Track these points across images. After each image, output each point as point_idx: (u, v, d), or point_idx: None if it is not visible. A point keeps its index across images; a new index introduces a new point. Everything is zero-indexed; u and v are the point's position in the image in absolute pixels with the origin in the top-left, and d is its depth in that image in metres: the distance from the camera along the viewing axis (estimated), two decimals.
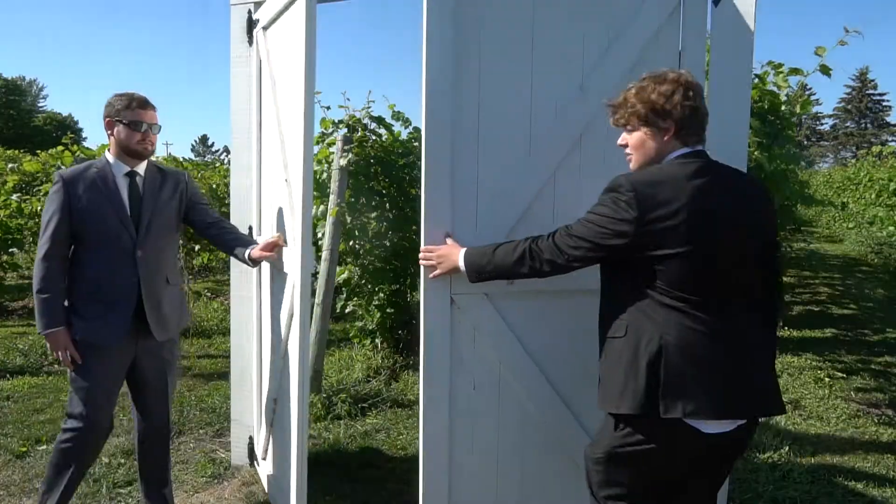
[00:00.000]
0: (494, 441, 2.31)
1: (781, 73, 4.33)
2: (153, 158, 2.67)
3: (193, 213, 2.71)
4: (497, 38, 2.20)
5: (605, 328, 1.88)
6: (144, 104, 2.51)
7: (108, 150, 2.56)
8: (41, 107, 58.42)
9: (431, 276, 2.22)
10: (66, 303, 2.47)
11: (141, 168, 2.57)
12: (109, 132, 2.52)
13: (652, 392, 1.71)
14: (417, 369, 4.88)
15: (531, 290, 2.22)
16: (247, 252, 2.60)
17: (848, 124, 63.10)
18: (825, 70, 4.03)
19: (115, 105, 2.50)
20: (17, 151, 13.91)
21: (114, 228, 2.47)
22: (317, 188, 4.86)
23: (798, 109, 4.38)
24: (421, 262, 2.24)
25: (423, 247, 2.23)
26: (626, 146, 1.90)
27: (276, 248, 2.59)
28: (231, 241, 2.68)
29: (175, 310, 2.64)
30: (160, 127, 2.58)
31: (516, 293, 2.26)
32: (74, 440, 2.50)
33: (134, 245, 2.48)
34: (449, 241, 2.21)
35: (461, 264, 2.10)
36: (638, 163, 1.87)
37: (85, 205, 2.45)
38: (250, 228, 3.14)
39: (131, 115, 2.48)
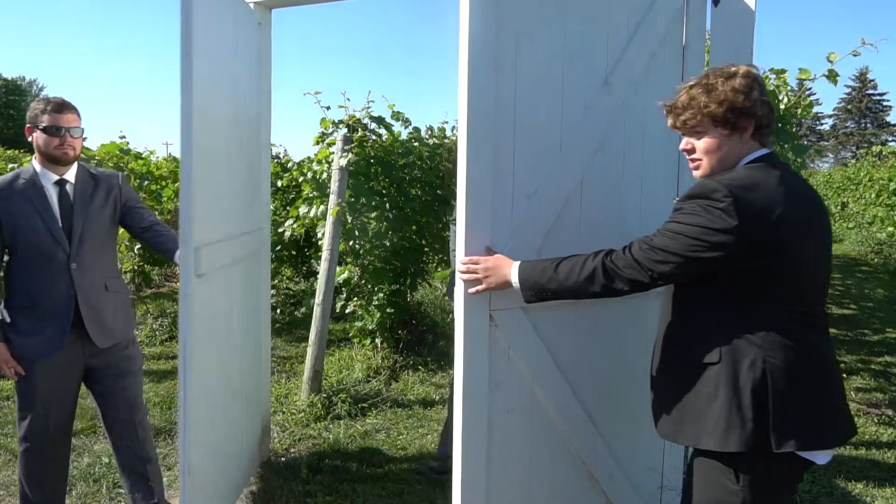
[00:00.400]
0: (527, 461, 2.20)
1: (783, 77, 4.32)
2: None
3: (128, 218, 2.66)
4: (533, 37, 2.09)
5: (682, 351, 1.68)
6: (60, 107, 2.43)
7: (34, 158, 2.50)
8: None
9: (473, 290, 1.99)
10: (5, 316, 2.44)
11: (70, 175, 2.50)
12: (30, 139, 2.46)
13: (760, 424, 1.54)
14: (418, 369, 4.91)
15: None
16: (177, 254, 2.55)
17: (848, 124, 63.10)
18: (832, 76, 4.03)
19: (33, 110, 2.44)
20: (17, 151, 13.89)
21: (45, 242, 2.40)
22: (317, 188, 4.86)
23: (799, 112, 4.38)
24: (461, 274, 2.00)
25: (463, 258, 1.99)
26: (690, 151, 1.71)
27: None
28: (163, 245, 2.64)
29: (119, 316, 2.58)
30: (82, 130, 2.50)
31: (549, 304, 2.06)
32: (29, 451, 2.52)
33: (68, 258, 2.43)
34: (495, 253, 2.00)
35: (514, 280, 1.87)
36: (709, 168, 1.68)
37: (14, 219, 2.39)
38: None
39: (48, 119, 2.40)
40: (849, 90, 63.08)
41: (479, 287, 1.97)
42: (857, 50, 3.97)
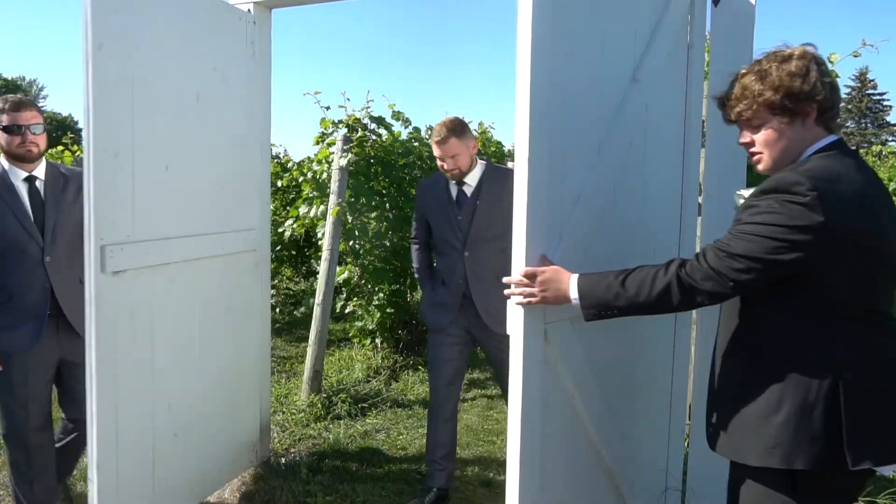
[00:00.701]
0: (569, 476, 2.11)
1: None
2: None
3: None
4: (578, 33, 1.98)
5: (744, 360, 1.55)
6: (18, 106, 2.48)
7: (1, 156, 2.55)
8: (41, 107, 58.21)
9: (526, 301, 1.79)
10: None
11: (40, 171, 2.55)
12: None
13: (834, 440, 1.42)
14: (418, 369, 4.91)
15: None
16: None
17: (848, 124, 63.10)
18: (833, 77, 4.02)
19: None
20: None
21: (19, 237, 2.45)
22: (317, 188, 4.86)
23: None
24: (514, 288, 1.81)
25: (521, 269, 1.80)
26: (749, 144, 1.57)
27: None
28: None
29: None
30: (43, 126, 2.55)
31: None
32: (13, 446, 2.55)
33: (42, 252, 2.48)
34: (550, 262, 1.81)
35: (573, 296, 1.69)
36: (772, 161, 1.54)
37: None
38: None
39: (7, 118, 2.46)
40: (849, 90, 63.05)
41: (533, 300, 1.78)
42: (857, 51, 3.96)
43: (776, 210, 1.42)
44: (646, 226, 2.27)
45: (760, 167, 1.59)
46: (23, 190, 2.50)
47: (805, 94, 1.48)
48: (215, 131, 2.87)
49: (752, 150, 1.57)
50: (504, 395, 3.35)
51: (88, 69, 2.21)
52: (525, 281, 1.78)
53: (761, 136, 1.54)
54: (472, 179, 2.89)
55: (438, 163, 2.88)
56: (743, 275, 1.46)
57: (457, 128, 2.82)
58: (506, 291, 1.84)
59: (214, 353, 2.95)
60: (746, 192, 1.62)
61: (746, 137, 1.57)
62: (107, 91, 2.28)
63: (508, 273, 2.93)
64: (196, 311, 2.82)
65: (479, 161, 2.93)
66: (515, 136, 1.85)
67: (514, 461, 1.87)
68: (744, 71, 1.57)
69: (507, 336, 2.89)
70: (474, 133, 3.29)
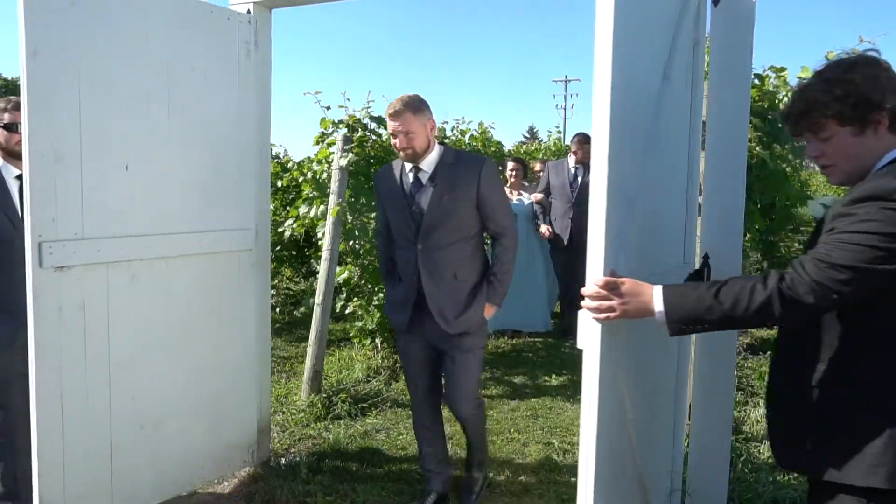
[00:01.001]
0: (614, 481, 1.98)
1: (783, 77, 4.32)
2: None
3: None
4: (634, 31, 1.87)
5: (832, 374, 1.50)
6: (20, 106, 2.51)
7: None
8: None
9: (604, 317, 1.64)
10: None
11: None
12: None
13: None
14: None
15: None
16: None
17: None
18: None
19: None
20: None
21: (7, 232, 2.52)
22: (317, 188, 4.86)
23: None
24: (590, 300, 1.65)
25: (599, 279, 1.65)
26: (819, 156, 1.52)
27: None
28: None
29: None
30: None
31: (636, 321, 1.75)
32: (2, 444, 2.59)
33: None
34: (619, 275, 1.68)
35: (658, 310, 1.57)
36: (844, 174, 1.51)
37: None
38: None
39: (8, 117, 2.56)
40: None
41: (613, 315, 1.63)
42: (855, 48, 3.96)
43: (876, 217, 1.37)
44: (669, 226, 2.27)
45: (833, 180, 1.55)
46: (14, 187, 2.57)
47: (874, 103, 1.44)
48: (193, 133, 2.84)
49: (823, 162, 1.52)
50: (449, 405, 2.90)
51: (24, 75, 2.25)
52: (603, 293, 1.63)
53: (831, 149, 1.50)
54: (427, 165, 2.70)
55: (392, 140, 2.70)
56: (845, 286, 1.39)
57: (414, 103, 2.64)
58: (582, 303, 1.69)
59: (192, 350, 2.92)
60: (827, 200, 1.58)
61: (816, 150, 1.53)
62: (44, 96, 2.30)
63: (466, 269, 2.74)
64: (167, 307, 2.79)
65: (438, 145, 2.76)
66: (594, 142, 1.70)
67: (589, 486, 1.72)
68: (807, 82, 1.53)
69: (462, 338, 2.76)
70: (474, 132, 3.24)
